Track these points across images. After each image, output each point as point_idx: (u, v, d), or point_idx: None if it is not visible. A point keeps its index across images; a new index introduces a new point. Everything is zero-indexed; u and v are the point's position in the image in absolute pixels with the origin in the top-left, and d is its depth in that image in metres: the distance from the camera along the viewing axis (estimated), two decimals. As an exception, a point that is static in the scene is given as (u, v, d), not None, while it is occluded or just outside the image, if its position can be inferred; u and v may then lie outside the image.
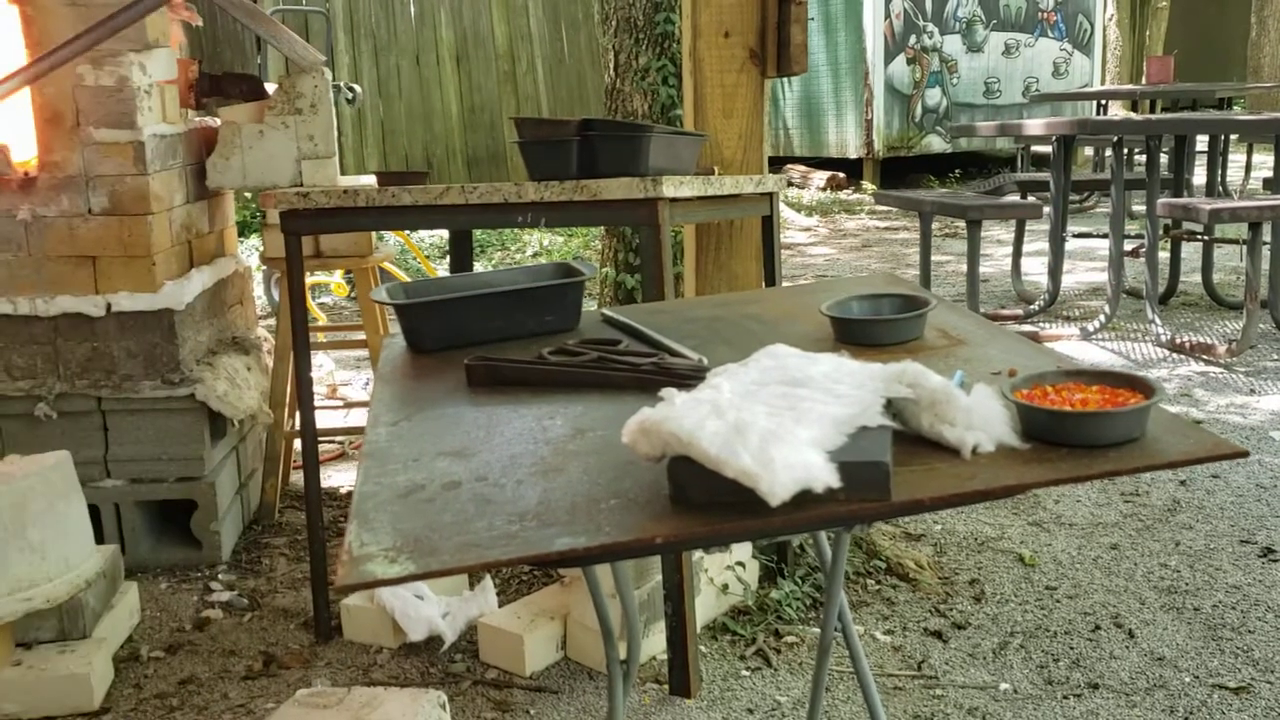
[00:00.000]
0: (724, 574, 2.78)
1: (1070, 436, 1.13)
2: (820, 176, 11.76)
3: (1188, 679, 2.50)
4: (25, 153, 2.97)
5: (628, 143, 2.53)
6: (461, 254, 3.09)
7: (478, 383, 1.55)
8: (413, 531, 1.12)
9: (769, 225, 2.91)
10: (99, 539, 2.83)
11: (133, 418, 3.08)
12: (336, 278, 6.58)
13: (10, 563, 2.41)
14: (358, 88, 6.27)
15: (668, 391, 1.16)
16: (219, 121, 3.29)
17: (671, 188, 2.40)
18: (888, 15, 11.25)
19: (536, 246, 8.69)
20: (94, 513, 2.92)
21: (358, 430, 4.07)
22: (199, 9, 3.40)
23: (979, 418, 1.14)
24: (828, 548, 1.70)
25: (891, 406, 1.16)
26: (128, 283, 2.98)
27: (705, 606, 2.71)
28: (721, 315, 1.85)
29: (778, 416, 1.08)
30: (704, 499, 1.07)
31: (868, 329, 1.54)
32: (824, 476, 1.02)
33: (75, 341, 3.02)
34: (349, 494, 3.74)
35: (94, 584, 2.59)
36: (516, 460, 1.28)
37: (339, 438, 4.12)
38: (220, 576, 3.11)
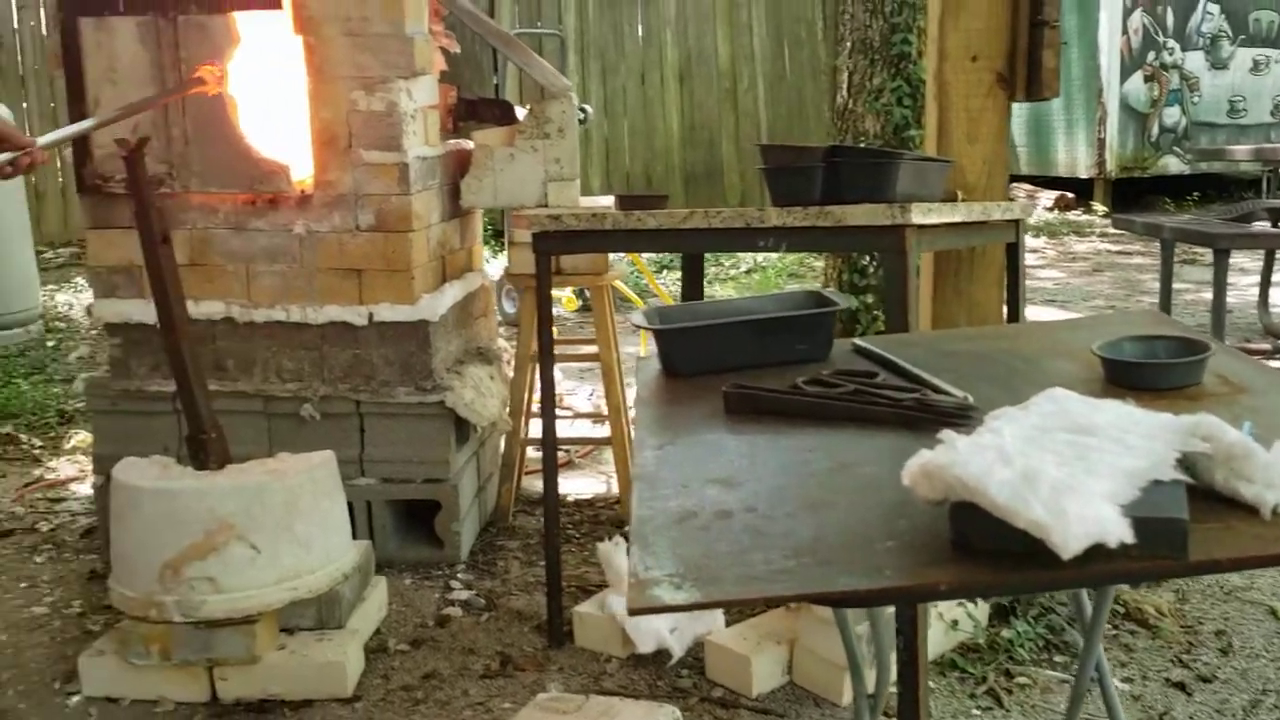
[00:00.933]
0: (954, 610, 2.73)
1: (1381, 502, 1.08)
2: (1047, 196, 11.35)
3: None
4: (302, 172, 3.20)
5: (876, 169, 2.53)
6: (695, 274, 3.15)
7: (734, 410, 1.58)
8: (692, 559, 1.16)
9: (1013, 252, 2.85)
10: (352, 534, 3.00)
11: (387, 421, 3.27)
12: (567, 292, 6.80)
13: (280, 554, 2.59)
14: (589, 108, 6.45)
15: (947, 434, 1.17)
16: (471, 144, 3.47)
17: (920, 214, 2.38)
18: (1125, 31, 10.77)
19: (750, 263, 8.69)
20: (349, 509, 3.11)
21: (584, 441, 4.20)
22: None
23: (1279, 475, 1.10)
24: (1087, 599, 1.66)
25: (1184, 459, 1.13)
26: (389, 295, 3.18)
27: (933, 642, 2.67)
28: (977, 350, 1.83)
29: (1068, 466, 1.07)
30: (987, 546, 1.07)
31: (1145, 372, 1.49)
32: (1118, 531, 1.00)
33: (339, 348, 3.24)
34: (577, 501, 3.86)
35: (350, 577, 2.77)
36: (783, 492, 1.31)
37: (566, 446, 4.25)
38: (459, 576, 3.26)
